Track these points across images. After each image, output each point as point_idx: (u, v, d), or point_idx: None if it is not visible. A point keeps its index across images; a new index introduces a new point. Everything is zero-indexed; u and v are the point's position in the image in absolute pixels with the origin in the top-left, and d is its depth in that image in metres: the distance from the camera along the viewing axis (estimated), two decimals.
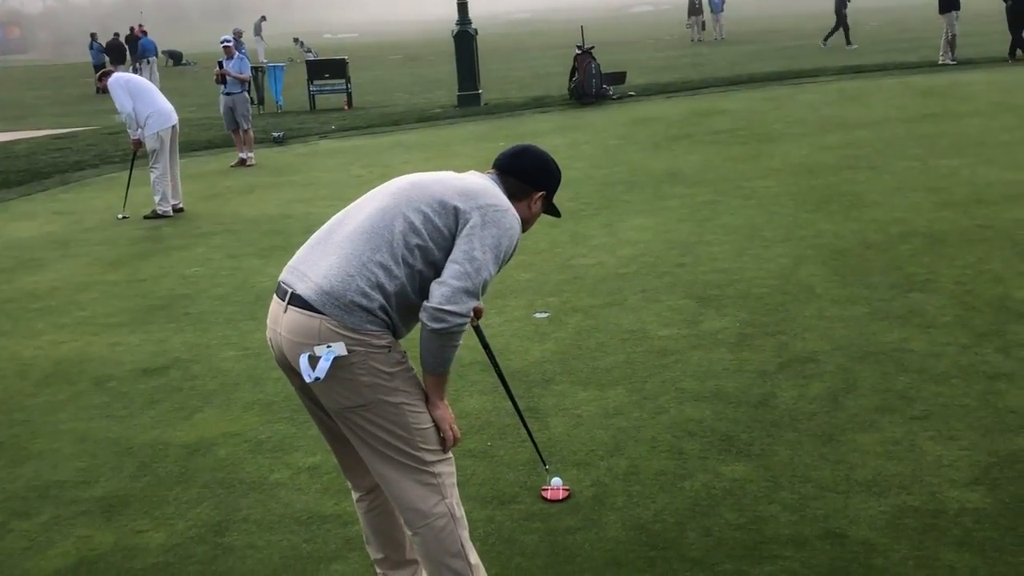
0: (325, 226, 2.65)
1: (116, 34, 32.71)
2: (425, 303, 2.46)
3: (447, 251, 2.51)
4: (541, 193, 2.74)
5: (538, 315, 5.59)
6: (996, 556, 2.91)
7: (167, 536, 3.41)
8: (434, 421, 2.58)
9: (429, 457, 2.56)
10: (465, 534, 2.63)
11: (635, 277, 6.18)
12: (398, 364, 2.53)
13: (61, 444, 4.28)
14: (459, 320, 2.45)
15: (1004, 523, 3.08)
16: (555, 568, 3.03)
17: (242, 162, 12.58)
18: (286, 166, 12.40)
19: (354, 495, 2.84)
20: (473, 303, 2.48)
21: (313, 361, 2.44)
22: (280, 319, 2.52)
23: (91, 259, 7.92)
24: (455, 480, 2.64)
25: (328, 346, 2.43)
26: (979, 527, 3.07)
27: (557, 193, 2.82)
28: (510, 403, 3.59)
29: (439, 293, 2.44)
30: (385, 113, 17.61)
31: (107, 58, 29.98)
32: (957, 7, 17.24)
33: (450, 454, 2.64)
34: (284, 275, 2.58)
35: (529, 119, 15.61)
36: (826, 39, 25.61)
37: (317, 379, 2.44)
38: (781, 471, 3.53)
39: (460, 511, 2.63)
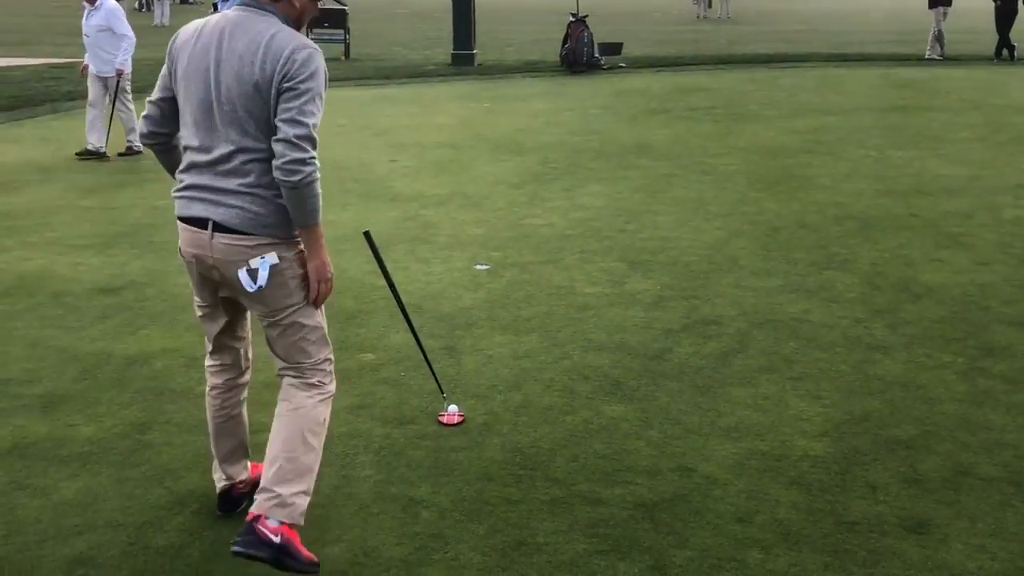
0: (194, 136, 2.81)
1: None
2: (274, 162, 2.66)
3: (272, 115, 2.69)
4: None
5: (478, 267, 5.94)
6: (819, 494, 3.29)
7: (95, 431, 3.78)
8: (310, 273, 2.84)
9: (323, 341, 2.97)
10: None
11: (578, 239, 6.52)
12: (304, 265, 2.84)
13: (12, 348, 4.64)
14: (308, 167, 2.65)
15: (835, 469, 3.46)
16: (433, 479, 3.40)
17: None
18: None
19: (212, 384, 3.19)
20: (314, 148, 2.66)
21: (252, 273, 2.75)
22: (206, 244, 2.78)
23: (68, 185, 8.23)
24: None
25: (262, 258, 2.74)
26: (813, 471, 3.45)
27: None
28: (430, 341, 3.93)
29: (278, 150, 2.65)
30: (379, 67, 17.80)
31: None
32: (945, 3, 17.40)
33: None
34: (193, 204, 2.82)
35: (518, 82, 15.84)
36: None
37: (260, 287, 2.76)
38: (655, 414, 3.90)
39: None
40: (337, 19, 20.01)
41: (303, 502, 2.82)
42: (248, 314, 3.14)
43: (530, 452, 3.59)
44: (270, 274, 2.76)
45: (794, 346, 4.61)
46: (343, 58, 19.20)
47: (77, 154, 9.37)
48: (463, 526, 3.10)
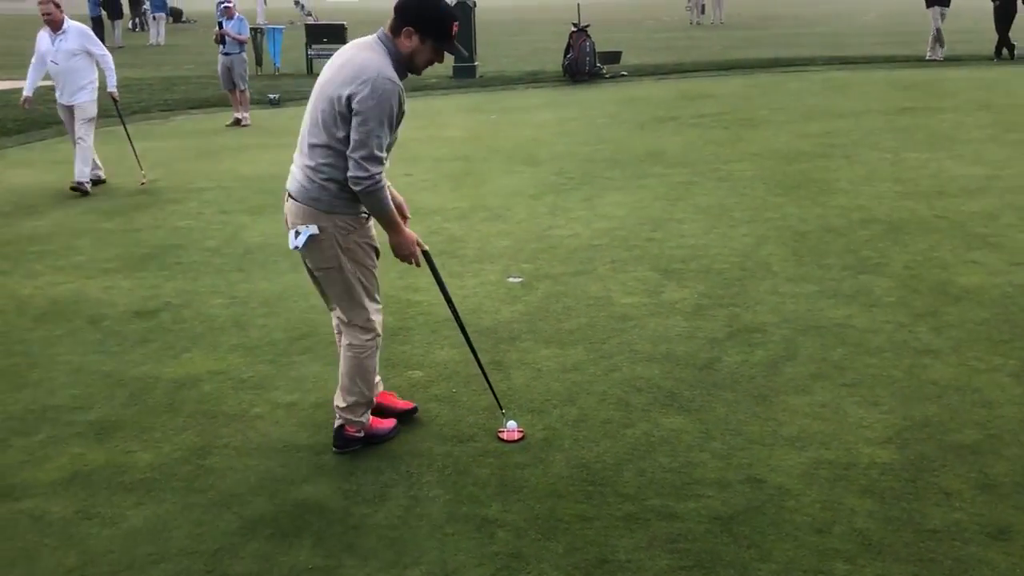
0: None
1: None
2: (348, 173, 3.32)
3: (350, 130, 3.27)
4: (409, 28, 3.28)
5: (511, 279, 5.92)
6: (893, 503, 3.27)
7: (154, 456, 3.74)
8: (400, 245, 3.54)
9: (368, 304, 3.59)
10: (373, 377, 3.72)
11: (606, 249, 6.50)
12: (357, 244, 3.48)
13: (57, 374, 4.60)
14: (367, 181, 3.29)
15: (906, 476, 3.44)
16: (503, 496, 3.38)
17: (237, 122, 12.82)
18: (280, 128, 12.64)
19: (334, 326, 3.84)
20: (373, 166, 3.27)
21: (297, 235, 3.46)
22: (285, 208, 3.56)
23: (87, 208, 8.20)
24: (380, 330, 3.67)
25: (307, 226, 3.43)
26: (884, 478, 3.43)
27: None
28: (475, 356, 3.95)
29: (348, 165, 3.29)
30: None
31: (103, 12, 29.95)
32: (941, 3, 17.42)
33: (381, 302, 3.69)
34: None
35: (521, 93, 15.86)
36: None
37: (297, 248, 3.48)
38: (715, 425, 3.88)
39: (374, 361, 3.69)
40: (336, 34, 20.06)
41: (360, 411, 3.70)
42: None
43: (596, 467, 3.57)
44: (308, 240, 3.44)
45: (842, 352, 4.60)
46: None
47: (72, 188, 8.59)
48: (541, 545, 3.08)
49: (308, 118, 3.43)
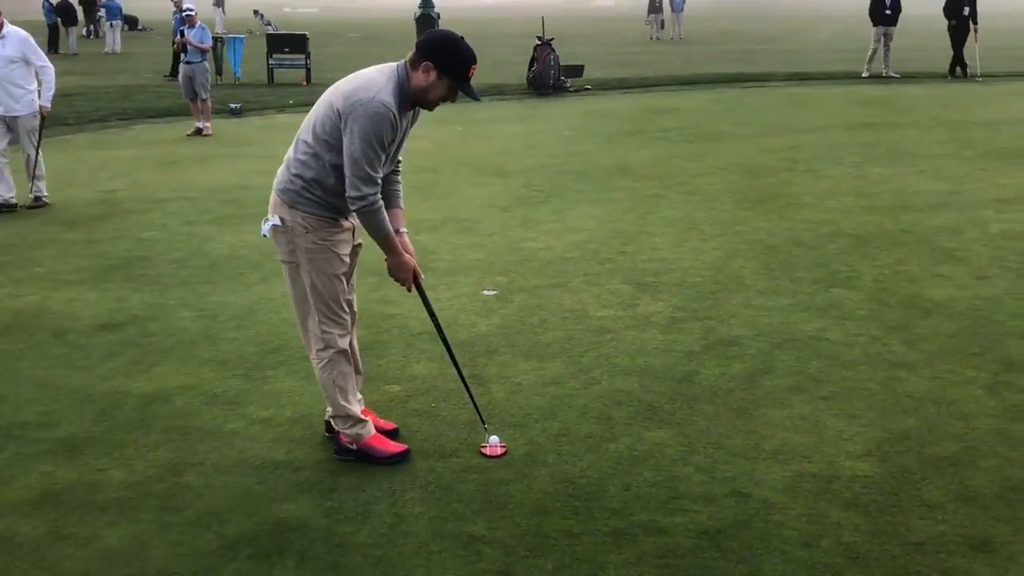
0: None
1: None
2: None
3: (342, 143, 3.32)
4: (428, 62, 3.33)
5: (486, 292, 5.89)
6: (877, 516, 3.28)
7: (127, 474, 3.64)
8: (395, 268, 3.59)
9: (322, 315, 3.56)
10: (349, 385, 3.65)
11: (579, 262, 6.50)
12: (315, 244, 3.47)
13: (22, 389, 4.46)
14: (360, 202, 3.34)
15: (888, 489, 3.46)
16: (488, 513, 3.33)
17: (198, 131, 12.64)
18: (242, 138, 12.50)
19: None
20: (367, 187, 3.31)
21: (265, 223, 3.54)
22: None
23: (47, 218, 8.01)
24: (344, 341, 3.62)
25: (272, 216, 3.51)
26: (866, 492, 3.45)
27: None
28: (455, 370, 3.91)
29: (346, 185, 3.33)
30: None
31: (59, 19, 29.45)
32: (882, 22, 17.79)
33: (345, 320, 3.63)
34: None
35: (487, 106, 15.83)
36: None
37: (264, 235, 3.55)
38: (697, 438, 3.88)
39: (346, 367, 3.63)
40: (297, 44, 19.92)
41: (345, 423, 3.69)
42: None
43: (581, 482, 3.54)
44: (271, 228, 3.52)
45: (818, 365, 4.63)
46: (304, 83, 19.06)
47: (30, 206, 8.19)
48: (530, 562, 3.04)
49: (309, 113, 3.52)
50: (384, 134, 3.28)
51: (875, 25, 17.98)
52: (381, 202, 3.40)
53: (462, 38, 3.42)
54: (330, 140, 3.37)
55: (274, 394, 4.38)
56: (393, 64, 3.42)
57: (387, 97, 3.29)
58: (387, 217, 3.46)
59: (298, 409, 4.20)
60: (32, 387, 4.49)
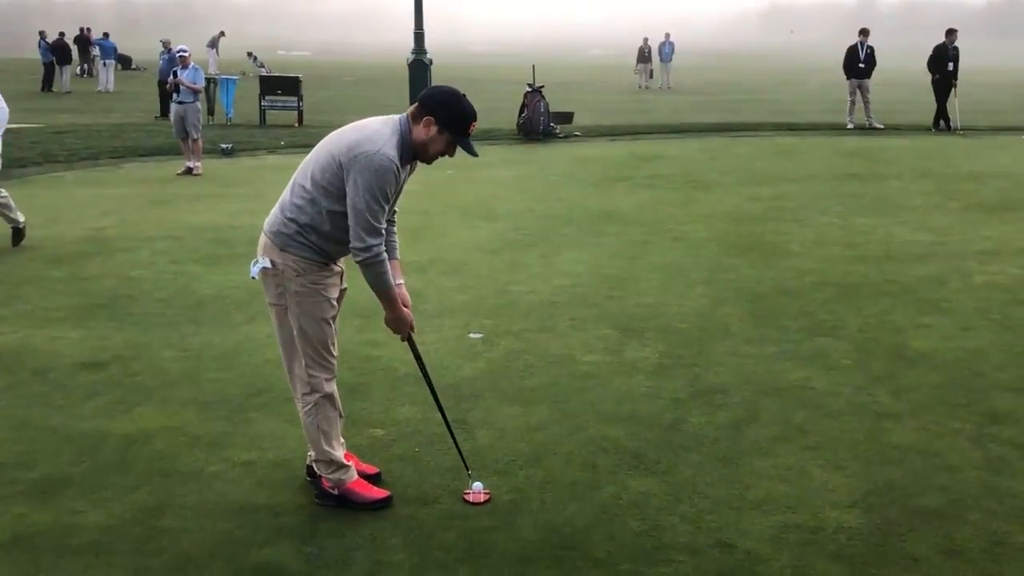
0: None
1: (61, 33, 32.36)
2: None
3: (343, 192, 3.36)
4: (429, 117, 3.37)
5: (472, 335, 5.87)
6: (863, 568, 3.26)
7: (104, 517, 3.58)
8: (393, 321, 3.60)
9: (309, 359, 3.54)
10: (333, 430, 3.63)
11: (566, 306, 6.50)
12: (305, 288, 3.47)
13: None
14: (365, 254, 3.37)
15: (874, 541, 3.44)
16: (470, 562, 3.29)
17: (189, 171, 12.67)
18: (233, 178, 12.53)
19: None
20: (371, 238, 3.34)
21: (255, 266, 3.55)
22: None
23: (32, 255, 7.97)
24: (330, 385, 3.61)
25: (262, 258, 3.51)
26: (852, 543, 3.42)
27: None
28: (439, 415, 3.89)
29: (350, 236, 3.35)
30: None
31: (54, 57, 29.66)
32: (855, 75, 18.11)
33: (333, 364, 3.62)
34: None
35: (477, 150, 15.94)
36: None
37: (253, 277, 3.56)
38: (683, 487, 3.85)
39: (331, 412, 3.61)
40: (290, 86, 20.06)
41: (327, 468, 3.68)
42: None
43: (565, 531, 3.50)
44: (261, 271, 3.52)
45: (804, 415, 4.62)
46: (297, 125, 19.17)
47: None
48: None
49: (308, 158, 3.54)
50: (388, 187, 3.34)
51: (848, 78, 18.38)
52: (385, 254, 3.43)
53: (463, 95, 3.47)
54: (329, 188, 3.40)
55: (256, 437, 4.34)
56: (396, 116, 3.48)
57: (391, 151, 3.34)
58: (389, 270, 3.48)
59: (281, 452, 4.15)
60: (9, 427, 4.43)
